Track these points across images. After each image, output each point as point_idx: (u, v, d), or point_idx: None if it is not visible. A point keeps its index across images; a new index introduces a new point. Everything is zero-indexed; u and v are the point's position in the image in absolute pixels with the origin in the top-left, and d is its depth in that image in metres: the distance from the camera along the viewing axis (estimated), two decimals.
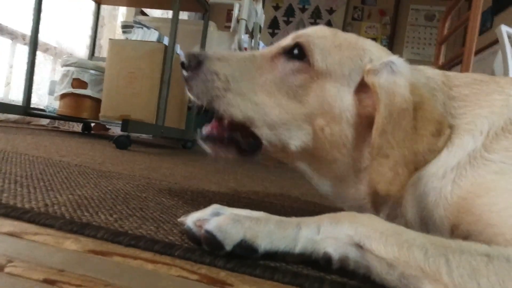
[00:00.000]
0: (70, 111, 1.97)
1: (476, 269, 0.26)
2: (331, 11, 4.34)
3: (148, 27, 1.93)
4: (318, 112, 0.45)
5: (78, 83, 1.93)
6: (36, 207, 0.42)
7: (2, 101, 2.07)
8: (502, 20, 2.69)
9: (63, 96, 1.98)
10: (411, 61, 0.47)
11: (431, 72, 0.47)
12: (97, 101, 1.94)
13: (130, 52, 1.80)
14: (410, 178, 0.39)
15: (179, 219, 0.40)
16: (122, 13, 3.17)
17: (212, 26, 2.47)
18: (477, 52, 2.45)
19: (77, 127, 2.53)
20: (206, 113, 0.49)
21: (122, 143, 1.42)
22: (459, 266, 0.27)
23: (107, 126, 2.67)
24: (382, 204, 0.44)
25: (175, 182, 0.81)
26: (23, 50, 2.21)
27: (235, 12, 2.47)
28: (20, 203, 0.43)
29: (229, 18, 4.27)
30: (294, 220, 0.37)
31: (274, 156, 0.50)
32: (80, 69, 1.94)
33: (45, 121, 2.35)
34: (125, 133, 1.44)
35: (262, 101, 0.46)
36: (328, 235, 0.34)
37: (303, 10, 4.42)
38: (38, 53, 2.04)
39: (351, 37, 0.49)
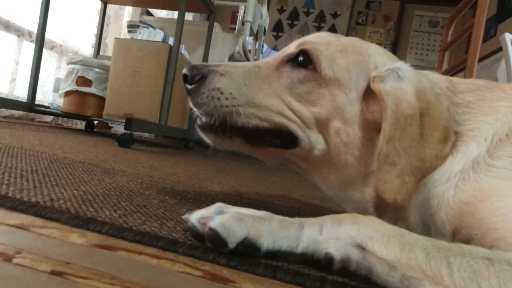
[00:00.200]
0: (74, 109, 1.98)
1: (477, 271, 0.27)
2: (335, 15, 4.35)
3: (153, 27, 1.95)
4: (332, 115, 0.45)
5: (82, 81, 1.95)
6: (42, 201, 0.43)
7: (7, 97, 2.09)
8: (506, 28, 2.70)
9: (67, 94, 2.00)
10: (415, 67, 0.47)
11: (435, 77, 0.48)
12: (101, 99, 1.95)
13: (135, 51, 1.82)
14: (417, 185, 0.39)
15: (183, 217, 0.41)
16: (128, 12, 3.19)
17: (217, 27, 2.48)
18: (481, 59, 2.45)
19: (80, 124, 2.55)
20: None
21: (125, 142, 1.43)
22: (460, 269, 0.27)
23: (110, 125, 2.68)
24: (386, 207, 0.44)
25: (178, 181, 0.82)
26: (29, 47, 2.23)
27: (240, 14, 2.49)
28: (26, 197, 0.44)
29: (234, 19, 4.29)
30: (297, 220, 0.37)
31: (293, 159, 0.49)
32: (85, 67, 1.95)
33: (48, 118, 2.37)
34: (128, 132, 1.45)
35: (280, 107, 0.46)
36: (330, 235, 0.35)
37: (307, 13, 4.44)
38: (44, 50, 2.05)
39: (355, 41, 0.49)
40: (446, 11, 3.90)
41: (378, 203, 0.44)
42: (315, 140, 0.46)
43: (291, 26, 4.52)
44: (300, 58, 0.47)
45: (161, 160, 1.26)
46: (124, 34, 2.87)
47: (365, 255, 0.32)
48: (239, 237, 0.34)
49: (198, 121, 0.50)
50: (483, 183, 0.36)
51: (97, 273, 0.28)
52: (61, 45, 2.58)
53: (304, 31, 4.45)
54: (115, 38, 1.95)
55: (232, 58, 2.54)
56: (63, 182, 0.57)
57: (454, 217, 0.38)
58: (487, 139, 0.39)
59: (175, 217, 0.47)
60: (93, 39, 2.71)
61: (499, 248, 0.31)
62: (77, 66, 1.97)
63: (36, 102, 2.00)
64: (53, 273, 0.27)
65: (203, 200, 0.64)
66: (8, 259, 0.27)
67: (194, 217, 0.38)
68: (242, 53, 2.37)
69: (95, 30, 2.61)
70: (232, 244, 0.34)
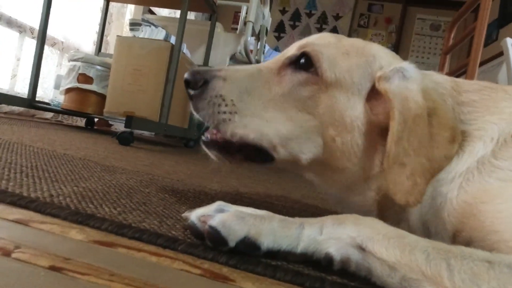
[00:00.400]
0: (75, 106, 1.98)
1: (477, 274, 0.26)
2: (337, 17, 4.35)
3: (155, 26, 1.95)
4: (329, 122, 0.44)
5: (84, 78, 1.95)
6: (42, 197, 0.43)
7: (8, 93, 2.08)
8: (507, 33, 2.70)
9: (68, 91, 2.00)
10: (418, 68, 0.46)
11: (439, 78, 0.48)
12: (102, 97, 1.95)
13: (137, 49, 1.82)
14: (427, 186, 0.38)
15: (183, 214, 0.41)
16: (130, 11, 3.19)
17: (219, 27, 2.48)
18: (482, 63, 2.45)
19: (81, 122, 2.55)
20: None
21: (125, 139, 1.43)
22: (460, 271, 0.27)
23: (110, 122, 2.68)
24: (389, 210, 0.44)
25: (178, 179, 0.81)
26: (31, 44, 2.23)
27: (242, 14, 2.49)
28: (26, 192, 0.44)
29: (235, 20, 4.29)
30: (297, 220, 0.37)
31: (282, 167, 0.50)
32: (87, 64, 1.95)
33: (49, 115, 2.37)
34: (129, 130, 1.44)
35: (273, 117, 0.45)
36: (330, 236, 0.34)
37: (309, 15, 4.44)
38: (45, 47, 2.05)
39: (358, 42, 0.49)
40: (448, 14, 3.91)
41: (381, 207, 0.44)
42: (298, 151, 0.46)
43: (293, 27, 4.52)
44: (302, 61, 0.47)
45: (161, 158, 1.26)
46: (126, 32, 2.87)
47: (365, 256, 0.32)
48: (240, 236, 0.34)
49: (203, 138, 0.50)
50: (487, 185, 0.36)
51: (96, 269, 0.28)
52: (62, 42, 2.58)
53: (306, 33, 4.45)
54: (117, 36, 1.95)
55: (233, 58, 2.54)
56: (63, 178, 0.57)
57: (456, 218, 0.37)
58: (493, 139, 0.39)
59: (174, 215, 0.47)
60: (94, 37, 2.71)
61: (500, 251, 0.31)
62: (78, 63, 1.97)
63: (36, 99, 1.99)
64: (52, 268, 0.26)
65: (203, 198, 0.64)
66: (7, 253, 0.27)
67: (194, 215, 0.38)
68: (243, 53, 2.37)
69: (97, 28, 2.61)
70: (232, 242, 0.34)
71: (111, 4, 2.56)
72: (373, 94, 0.45)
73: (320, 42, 0.48)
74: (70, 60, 2.02)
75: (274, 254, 0.35)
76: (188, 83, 0.48)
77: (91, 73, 1.95)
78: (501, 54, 2.20)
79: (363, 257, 0.32)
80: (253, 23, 2.12)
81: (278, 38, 4.50)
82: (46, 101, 2.23)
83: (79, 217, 0.38)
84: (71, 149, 0.99)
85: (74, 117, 2.48)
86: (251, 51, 2.21)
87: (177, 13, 3.20)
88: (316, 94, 0.45)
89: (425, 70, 0.48)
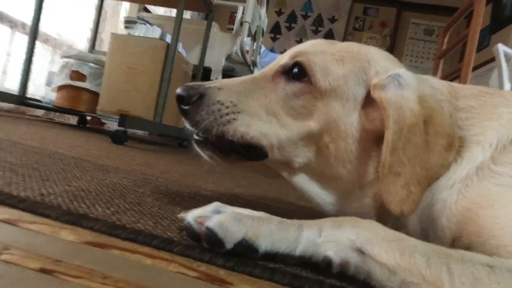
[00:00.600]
0: (67, 103, 1.94)
1: (478, 278, 0.26)
2: (333, 20, 4.38)
3: (151, 24, 1.93)
4: (323, 129, 0.44)
5: (77, 75, 1.92)
6: (32, 196, 0.41)
7: None
8: (499, 39, 2.75)
9: (60, 88, 1.96)
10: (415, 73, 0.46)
11: (436, 83, 0.47)
12: (95, 95, 1.92)
13: (132, 47, 1.80)
14: (422, 195, 0.38)
15: (178, 215, 0.40)
16: (125, 8, 3.16)
17: (215, 27, 2.47)
18: (474, 68, 2.49)
19: (73, 119, 2.51)
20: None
21: (118, 138, 1.41)
22: (461, 275, 0.27)
23: (103, 121, 2.64)
24: (388, 216, 0.43)
25: (172, 180, 0.80)
26: (22, 39, 2.18)
27: (239, 15, 2.48)
28: (15, 191, 0.42)
29: (231, 20, 4.28)
30: (295, 222, 0.36)
31: (274, 167, 0.49)
32: (80, 62, 1.92)
33: (40, 112, 2.32)
34: (122, 129, 1.42)
35: (271, 120, 0.45)
36: (329, 238, 0.34)
37: (305, 17, 4.46)
38: (37, 43, 2.01)
39: (352, 47, 0.48)
40: (441, 20, 3.97)
41: (379, 213, 0.44)
42: (292, 155, 0.46)
43: (289, 28, 4.53)
44: (295, 70, 0.46)
45: (155, 158, 1.24)
46: (121, 29, 2.84)
47: (364, 259, 0.32)
48: (237, 238, 0.33)
49: (195, 136, 0.49)
50: (486, 190, 0.36)
51: (89, 272, 0.27)
52: (55, 38, 2.54)
53: (302, 34, 4.47)
54: (112, 33, 1.92)
55: (229, 58, 2.54)
56: (54, 177, 0.55)
57: (455, 224, 0.37)
58: (492, 145, 0.39)
59: (169, 215, 0.46)
60: (88, 34, 2.68)
61: (500, 256, 0.30)
62: (71, 60, 1.94)
63: (27, 96, 1.95)
64: (43, 270, 0.25)
65: (198, 199, 0.63)
66: None
67: (191, 216, 0.37)
68: (239, 53, 2.36)
69: (91, 25, 2.58)
70: (229, 244, 0.33)
71: (106, 1, 2.53)
72: (369, 101, 0.44)
73: (313, 50, 0.47)
74: (63, 56, 1.98)
75: (272, 257, 0.34)
76: (181, 99, 0.47)
77: (84, 70, 1.92)
78: (493, 59, 2.25)
79: (362, 260, 0.32)
80: (249, 23, 2.11)
81: (274, 39, 4.51)
82: (38, 98, 2.19)
83: (71, 217, 0.37)
84: (63, 147, 0.97)
85: (66, 115, 2.44)
86: (247, 51, 2.21)
87: (172, 12, 3.19)
88: (310, 103, 0.45)
89: (420, 74, 0.48)
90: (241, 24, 2.20)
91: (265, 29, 2.56)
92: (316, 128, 0.45)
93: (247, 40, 2.22)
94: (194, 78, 2.25)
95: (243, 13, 2.27)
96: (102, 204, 0.45)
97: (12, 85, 2.24)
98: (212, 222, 0.34)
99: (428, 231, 0.41)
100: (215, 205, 0.38)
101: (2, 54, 2.19)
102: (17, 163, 0.60)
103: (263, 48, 2.73)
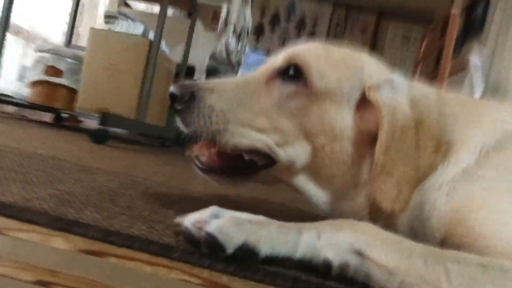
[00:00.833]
0: (42, 100, 1.85)
1: (473, 278, 0.28)
2: (315, 24, 4.45)
3: (133, 20, 1.88)
4: (319, 131, 0.45)
5: (53, 70, 1.83)
6: (17, 201, 0.39)
7: None
8: (469, 48, 2.90)
9: (35, 84, 1.86)
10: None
11: (425, 89, 0.50)
12: (73, 91, 1.84)
13: (113, 43, 1.74)
14: (411, 194, 0.40)
15: (175, 220, 0.39)
16: (104, 2, 3.05)
17: (198, 25, 2.44)
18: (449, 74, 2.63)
19: (48, 117, 2.38)
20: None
21: (100, 138, 1.36)
22: (458, 275, 0.28)
23: (81, 119, 2.54)
24: (379, 215, 0.45)
25: (160, 181, 0.78)
26: None
27: (223, 14, 2.46)
28: None
29: (215, 18, 4.24)
30: (295, 225, 0.37)
31: (276, 175, 0.49)
32: (56, 56, 1.83)
33: (11, 109, 2.19)
34: (104, 128, 1.37)
35: (264, 126, 0.45)
36: (328, 241, 0.35)
37: (288, 19, 4.50)
38: (8, 35, 1.90)
39: (346, 52, 0.49)
40: (416, 29, 4.14)
41: (372, 212, 0.45)
42: (294, 154, 0.46)
43: (272, 30, 4.56)
44: (290, 72, 0.46)
45: (139, 158, 1.21)
46: (99, 24, 2.73)
47: (364, 261, 0.33)
48: (238, 242, 0.33)
49: (197, 163, 0.48)
50: (472, 193, 0.38)
51: (88, 283, 0.25)
52: (28, 31, 2.40)
53: (285, 37, 4.51)
54: (91, 28, 1.85)
55: (213, 57, 2.51)
56: (36, 180, 0.52)
57: (444, 225, 0.39)
58: (476, 150, 0.41)
59: (163, 220, 0.45)
60: (64, 27, 2.56)
61: (489, 256, 0.32)
62: (47, 55, 1.85)
63: None
64: (39, 283, 0.24)
65: (189, 201, 0.62)
66: None
67: (189, 220, 0.36)
68: (224, 53, 2.35)
69: (67, 18, 2.46)
70: (230, 249, 0.33)
71: None
72: (362, 103, 0.45)
73: (309, 53, 0.48)
74: (38, 50, 1.89)
75: (272, 260, 0.34)
76: (174, 97, 0.46)
77: (61, 65, 1.83)
78: (464, 68, 2.37)
79: (361, 262, 0.33)
80: (234, 24, 2.11)
81: (257, 40, 4.52)
82: (8, 93, 2.06)
83: (60, 224, 0.35)
84: (42, 147, 0.92)
85: (40, 112, 2.32)
86: (232, 52, 2.20)
87: (154, 9, 3.11)
88: (305, 106, 0.45)
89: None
90: (226, 24, 2.19)
91: (250, 30, 2.56)
92: (311, 129, 0.45)
93: (232, 40, 2.21)
94: (177, 76, 2.21)
95: (227, 13, 2.26)
96: (91, 208, 0.43)
97: None
98: (212, 227, 0.33)
99: (416, 231, 0.43)
100: (213, 209, 0.38)
101: None
102: None
103: (246, 49, 2.73)
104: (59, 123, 2.23)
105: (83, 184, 0.56)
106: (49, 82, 1.83)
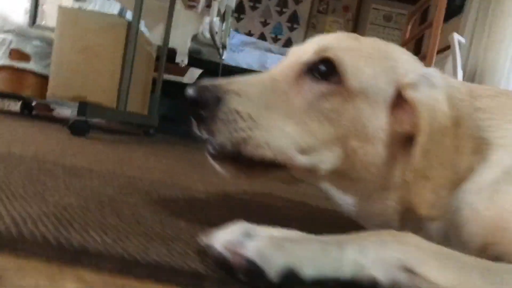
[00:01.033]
0: (8, 87, 1.67)
1: None
2: (297, 2, 4.33)
3: None
4: (351, 134, 0.41)
5: (18, 54, 1.64)
6: (4, 227, 0.32)
7: None
8: (450, 27, 2.95)
9: None
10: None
11: (453, 82, 0.46)
12: (43, 78, 1.68)
13: (86, 23, 1.58)
14: (449, 198, 0.38)
15: (203, 243, 0.34)
16: None
17: (179, 4, 2.28)
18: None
19: (14, 106, 2.18)
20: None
21: (79, 129, 1.25)
22: None
23: (53, 107, 2.35)
24: (410, 219, 0.42)
25: (158, 180, 0.72)
26: None
27: None
28: None
29: None
30: (333, 239, 0.33)
31: (297, 176, 0.45)
32: (21, 38, 1.65)
33: None
34: (83, 118, 1.26)
35: (293, 131, 0.41)
36: (374, 258, 0.31)
37: None
38: None
39: (379, 44, 0.45)
40: (398, 7, 4.14)
41: (403, 216, 0.42)
42: (318, 161, 0.42)
43: (253, 8, 4.40)
44: (322, 68, 0.42)
45: (126, 151, 1.12)
46: (66, 1, 2.48)
47: (414, 279, 0.30)
48: (280, 267, 0.29)
49: (210, 149, 0.42)
50: None
51: None
52: None
53: (266, 15, 4.37)
54: (59, 6, 1.67)
55: (195, 39, 2.38)
56: (21, 192, 0.45)
57: (486, 230, 0.37)
58: None
59: (178, 234, 0.40)
60: (27, 5, 2.30)
61: None
62: (9, 37, 1.66)
63: None
64: None
65: (196, 205, 0.57)
66: None
67: (219, 243, 0.32)
68: (207, 34, 2.22)
69: None
70: (271, 275, 0.29)
71: None
72: (397, 101, 0.42)
73: (340, 46, 0.43)
74: None
75: (317, 284, 0.31)
76: (195, 102, 0.40)
77: (27, 49, 1.66)
78: (447, 47, 2.41)
79: (411, 280, 0.30)
80: (218, 2, 1.98)
81: (238, 19, 4.35)
82: None
83: (67, 255, 0.29)
84: (16, 144, 0.82)
85: (5, 101, 2.12)
86: (216, 33, 2.08)
87: None
88: (340, 105, 0.42)
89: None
90: (209, 4, 2.05)
91: (233, 9, 2.43)
92: (343, 131, 0.41)
93: (216, 20, 2.08)
94: (157, 60, 2.07)
95: None
96: (96, 227, 0.37)
97: None
98: (251, 251, 0.29)
99: (450, 236, 0.41)
100: (242, 226, 0.33)
101: None
102: None
103: (232, 32, 2.60)
104: (28, 112, 2.05)
105: (76, 192, 0.50)
106: (15, 67, 1.65)
